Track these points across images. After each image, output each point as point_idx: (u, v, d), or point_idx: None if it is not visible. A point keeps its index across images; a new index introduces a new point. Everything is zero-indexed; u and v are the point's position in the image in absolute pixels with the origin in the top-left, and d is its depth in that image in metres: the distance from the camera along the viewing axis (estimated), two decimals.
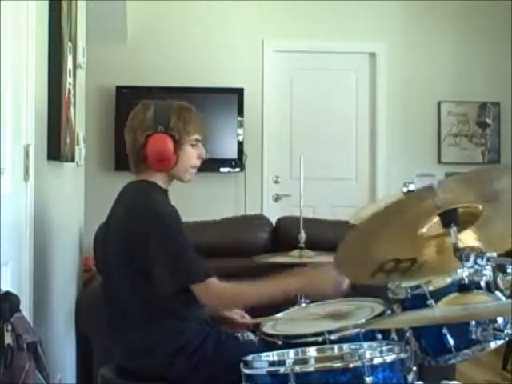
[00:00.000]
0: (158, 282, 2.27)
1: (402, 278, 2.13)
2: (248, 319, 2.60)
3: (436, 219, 1.97)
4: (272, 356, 2.07)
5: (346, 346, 2.10)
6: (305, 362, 1.93)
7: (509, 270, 2.11)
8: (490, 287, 2.12)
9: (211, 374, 2.29)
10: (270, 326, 2.45)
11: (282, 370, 1.87)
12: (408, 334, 2.16)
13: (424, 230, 2.01)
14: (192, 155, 2.47)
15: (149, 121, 2.41)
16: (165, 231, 2.29)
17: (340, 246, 1.95)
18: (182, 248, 2.30)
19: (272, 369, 1.90)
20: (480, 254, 1.83)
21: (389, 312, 2.33)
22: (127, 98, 5.70)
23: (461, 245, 1.87)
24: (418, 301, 2.21)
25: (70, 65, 3.31)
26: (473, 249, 1.85)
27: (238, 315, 2.60)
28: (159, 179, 2.45)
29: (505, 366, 4.49)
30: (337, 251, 1.98)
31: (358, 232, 1.99)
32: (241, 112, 6.02)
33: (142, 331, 2.34)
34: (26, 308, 2.27)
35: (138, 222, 2.30)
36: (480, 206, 1.95)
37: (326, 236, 3.26)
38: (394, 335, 2.18)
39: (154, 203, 2.36)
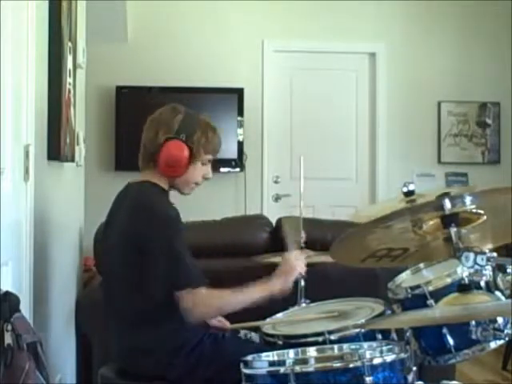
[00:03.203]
0: (152, 284, 2.29)
1: (391, 263, 2.16)
2: (225, 323, 2.59)
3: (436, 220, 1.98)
4: (272, 356, 2.07)
5: (346, 346, 2.10)
6: (305, 362, 1.93)
7: (509, 270, 2.11)
8: (490, 287, 2.12)
9: (210, 372, 2.30)
10: (270, 325, 2.45)
11: (282, 369, 1.87)
12: (408, 334, 2.16)
13: (424, 228, 2.02)
14: (199, 172, 2.48)
15: (174, 125, 2.41)
16: (167, 235, 2.29)
17: (339, 238, 2.02)
18: (180, 253, 2.30)
19: (272, 369, 1.91)
20: (480, 253, 1.83)
21: (389, 312, 2.33)
22: (127, 98, 5.70)
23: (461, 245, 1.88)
24: (418, 301, 2.21)
25: (69, 65, 3.31)
26: (472, 249, 1.85)
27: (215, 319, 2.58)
28: (162, 181, 2.45)
29: (505, 366, 4.48)
30: (335, 242, 2.04)
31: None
32: (241, 112, 6.01)
33: (141, 331, 2.34)
34: (25, 308, 2.27)
35: (142, 224, 2.31)
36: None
37: (325, 236, 3.25)
38: (394, 335, 2.18)
39: (158, 205, 2.37)
